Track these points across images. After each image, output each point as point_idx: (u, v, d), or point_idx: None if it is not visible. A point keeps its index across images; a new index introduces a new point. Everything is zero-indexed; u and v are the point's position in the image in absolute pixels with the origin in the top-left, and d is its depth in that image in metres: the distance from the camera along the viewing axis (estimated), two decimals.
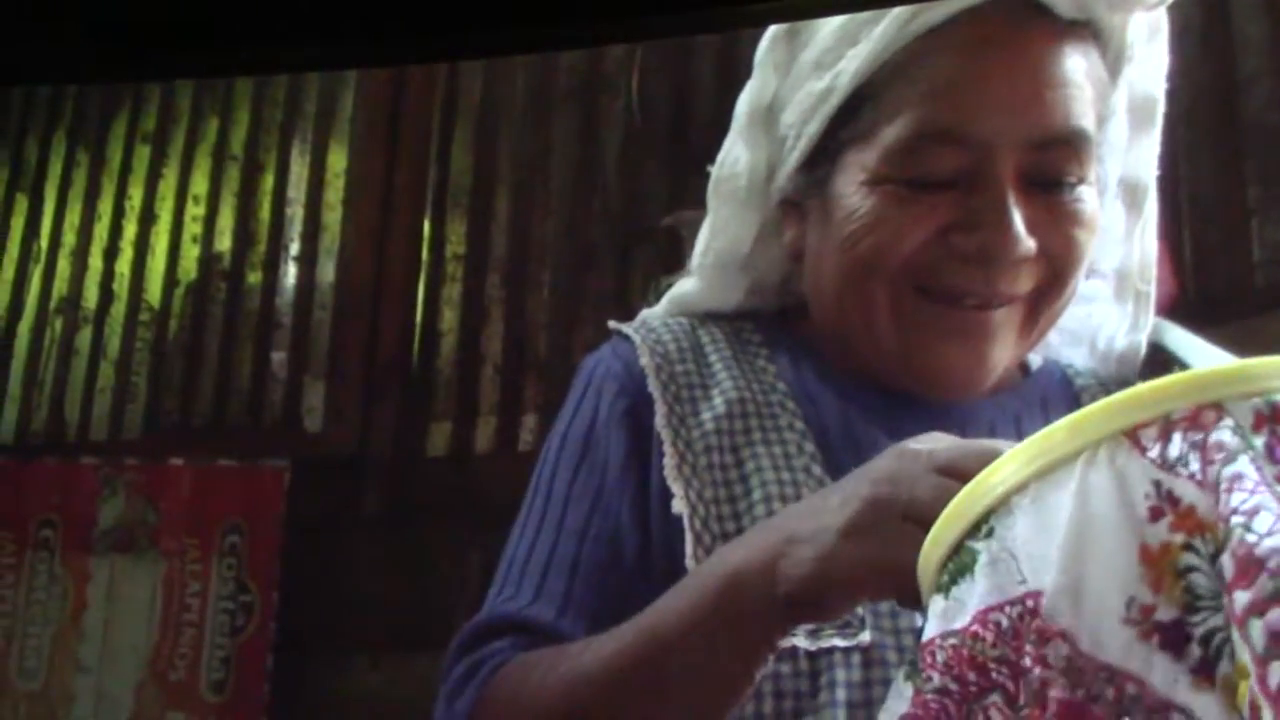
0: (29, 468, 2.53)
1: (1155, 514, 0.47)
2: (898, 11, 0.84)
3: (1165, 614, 0.46)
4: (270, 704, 2.29)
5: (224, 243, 2.60)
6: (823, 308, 0.92)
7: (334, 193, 2.56)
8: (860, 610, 0.77)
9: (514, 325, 2.40)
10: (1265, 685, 0.43)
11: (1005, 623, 0.50)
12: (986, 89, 0.83)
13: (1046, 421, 0.88)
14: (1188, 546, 0.46)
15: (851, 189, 0.86)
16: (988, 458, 0.58)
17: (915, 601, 0.59)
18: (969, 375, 0.87)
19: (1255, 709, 0.43)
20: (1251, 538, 0.45)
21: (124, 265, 2.66)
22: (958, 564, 0.53)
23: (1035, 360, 0.98)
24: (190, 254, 2.62)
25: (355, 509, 2.37)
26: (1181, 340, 0.93)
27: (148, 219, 2.67)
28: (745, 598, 0.69)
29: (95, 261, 2.69)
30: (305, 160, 2.59)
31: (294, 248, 2.56)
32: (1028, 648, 0.48)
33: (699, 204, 1.00)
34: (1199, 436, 0.48)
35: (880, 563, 0.63)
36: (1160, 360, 0.94)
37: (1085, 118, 0.84)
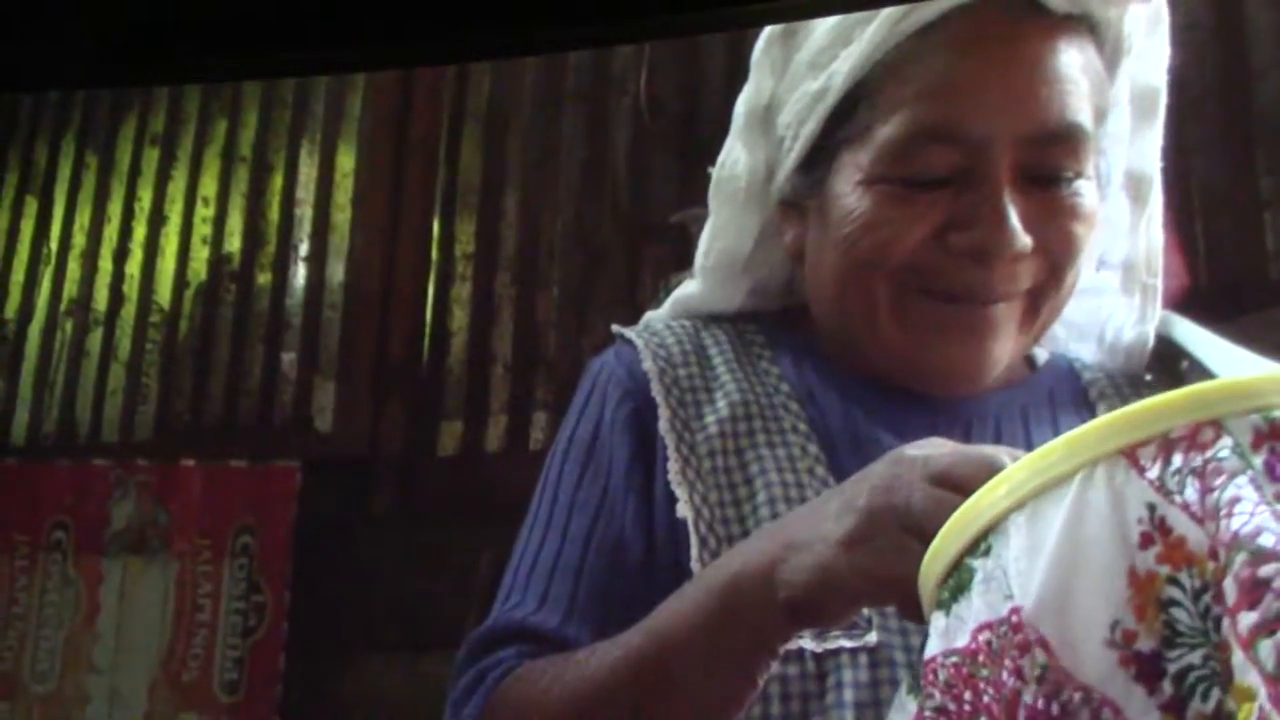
0: (41, 470, 2.53)
1: (1145, 540, 0.47)
2: (890, 11, 0.84)
3: (1145, 644, 0.46)
4: (283, 704, 2.29)
5: (233, 244, 2.60)
6: (823, 307, 0.92)
7: (343, 193, 2.56)
8: (867, 611, 0.77)
9: (524, 324, 2.40)
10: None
11: (994, 641, 0.49)
12: (980, 86, 0.83)
13: (1054, 416, 0.90)
14: (1172, 580, 0.46)
15: (848, 189, 0.86)
16: (984, 465, 0.58)
17: (914, 611, 0.59)
18: (970, 371, 0.87)
19: None
20: (1254, 560, 0.44)
21: (134, 267, 2.66)
22: (957, 581, 0.53)
23: (1042, 355, 0.98)
24: (200, 255, 2.62)
25: (366, 508, 2.37)
26: (1190, 334, 0.93)
27: (157, 221, 2.67)
28: (746, 603, 0.69)
29: (105, 263, 2.69)
30: (314, 161, 2.59)
31: (303, 248, 2.55)
32: (1006, 661, 0.48)
33: (709, 202, 1.00)
34: (1198, 457, 0.47)
35: (876, 573, 0.63)
36: (1169, 354, 0.93)
37: (1081, 113, 0.84)
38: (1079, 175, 0.85)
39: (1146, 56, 0.92)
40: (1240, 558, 0.44)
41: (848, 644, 0.77)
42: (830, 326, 0.92)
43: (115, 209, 2.72)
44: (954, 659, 0.51)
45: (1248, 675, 0.43)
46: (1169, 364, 0.93)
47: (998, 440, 0.88)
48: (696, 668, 0.72)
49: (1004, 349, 0.87)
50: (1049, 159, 0.84)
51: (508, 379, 2.39)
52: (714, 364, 0.92)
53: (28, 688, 2.37)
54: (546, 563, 0.87)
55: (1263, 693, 0.42)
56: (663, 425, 0.87)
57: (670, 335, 0.94)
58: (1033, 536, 0.50)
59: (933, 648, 0.53)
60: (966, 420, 0.89)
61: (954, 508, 0.60)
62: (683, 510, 0.83)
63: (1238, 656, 0.43)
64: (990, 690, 0.49)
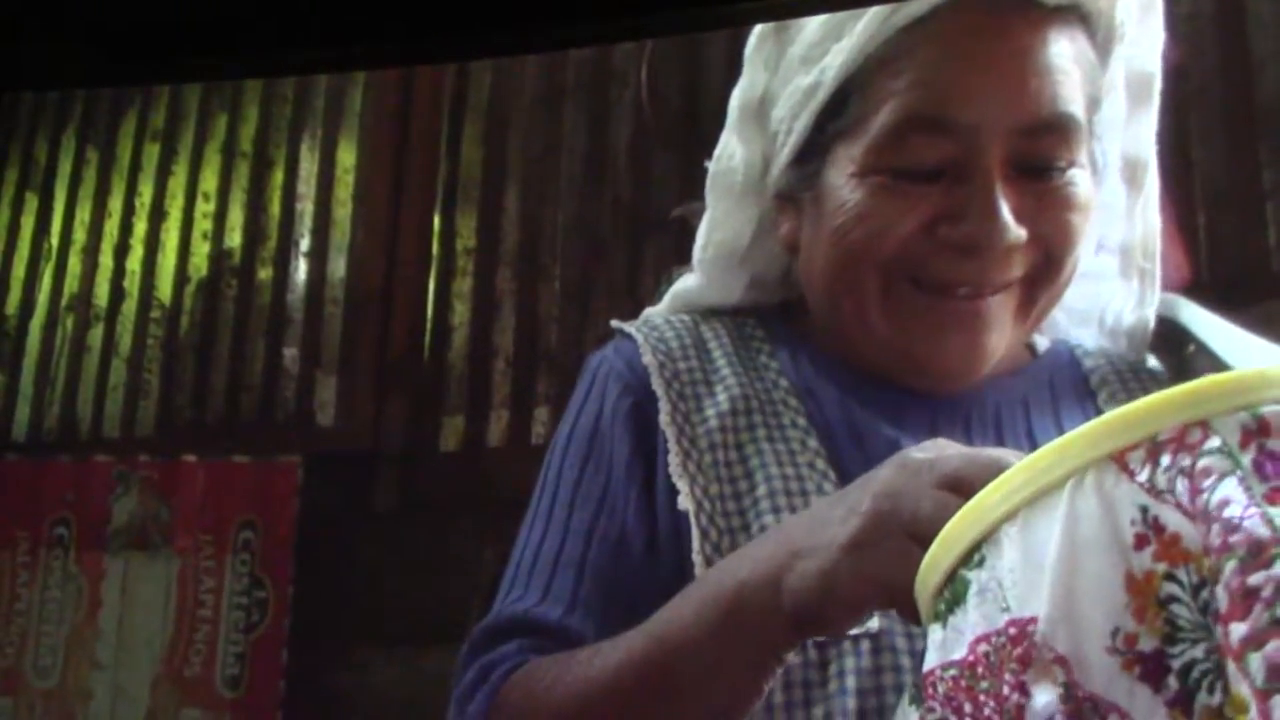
0: (42, 466, 2.53)
1: (1140, 541, 0.47)
2: (880, 6, 0.85)
3: (1147, 644, 0.46)
4: (285, 699, 2.29)
5: (234, 239, 2.60)
6: (817, 300, 0.92)
7: (344, 188, 2.56)
8: None
9: (525, 318, 2.40)
10: None
11: (991, 653, 0.49)
12: (970, 77, 0.83)
13: (1054, 404, 0.90)
14: (1170, 576, 0.46)
15: (841, 181, 0.86)
16: (993, 469, 0.57)
17: (917, 618, 0.59)
18: (964, 364, 0.87)
19: None
20: (1244, 568, 0.44)
21: (135, 263, 2.67)
22: (952, 593, 0.52)
23: (1042, 342, 0.98)
24: (201, 251, 2.62)
25: (368, 504, 2.37)
26: (1196, 317, 0.93)
27: (158, 216, 2.67)
28: (751, 611, 0.69)
29: (106, 259, 2.69)
30: (315, 156, 2.58)
31: (304, 243, 2.55)
32: (1007, 675, 0.48)
33: (706, 195, 1.00)
34: (1187, 459, 0.47)
35: (882, 580, 0.62)
36: (1175, 338, 0.94)
37: (1073, 102, 0.84)
38: (1072, 164, 0.85)
39: (1140, 42, 0.93)
40: (1230, 565, 0.44)
41: (850, 630, 0.77)
42: (824, 319, 0.92)
43: (116, 204, 2.72)
44: (952, 671, 0.51)
45: (1240, 686, 0.43)
46: (1175, 348, 0.93)
47: (999, 429, 0.88)
48: (701, 674, 0.71)
49: (999, 341, 0.86)
50: (1041, 149, 0.84)
51: (509, 374, 2.39)
52: (714, 358, 0.92)
53: (30, 683, 2.38)
54: (549, 556, 0.87)
55: (1253, 708, 0.42)
56: (664, 418, 0.87)
57: (669, 329, 0.94)
58: (1026, 548, 0.49)
59: (931, 660, 0.52)
60: (965, 410, 0.89)
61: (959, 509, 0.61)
62: (684, 503, 0.83)
63: (1230, 666, 0.43)
64: (991, 703, 0.49)
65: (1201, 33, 1.93)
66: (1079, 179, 0.85)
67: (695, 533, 0.82)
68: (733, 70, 0.98)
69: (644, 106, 2.38)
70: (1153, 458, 0.47)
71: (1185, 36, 1.91)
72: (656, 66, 2.37)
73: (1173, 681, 0.45)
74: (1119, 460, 0.48)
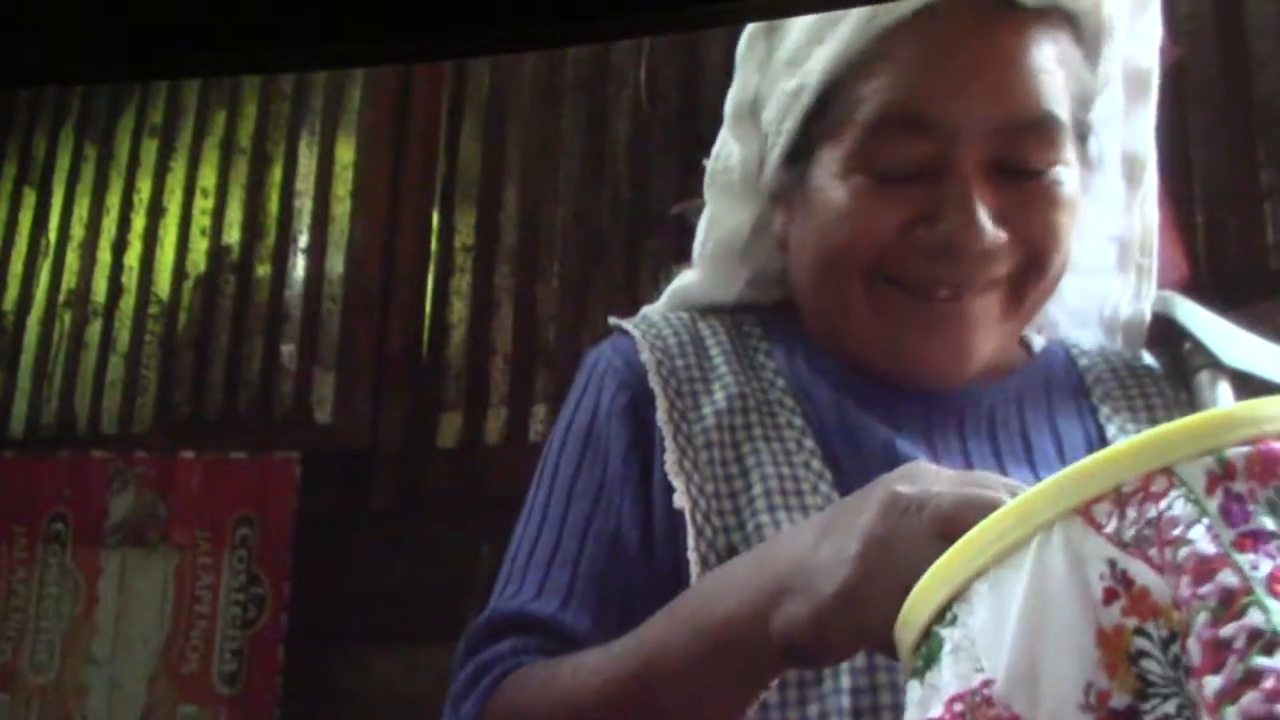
0: (39, 462, 2.53)
1: (1109, 596, 0.46)
2: (861, 10, 0.85)
3: (1119, 701, 0.45)
4: (282, 696, 2.29)
5: (232, 235, 2.60)
6: (805, 299, 0.93)
7: (342, 185, 2.55)
8: None
9: (523, 316, 2.40)
10: None
11: (966, 713, 0.48)
12: (949, 78, 0.83)
13: (1049, 404, 0.90)
14: (1140, 631, 0.45)
15: (825, 182, 0.87)
16: (989, 510, 0.57)
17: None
18: (950, 364, 0.87)
19: None
20: (1215, 620, 0.43)
21: (132, 258, 2.66)
22: (928, 650, 0.52)
23: (1038, 341, 0.98)
24: (199, 247, 2.62)
25: (366, 500, 2.37)
26: (1192, 315, 0.93)
27: (156, 212, 2.67)
28: (739, 645, 0.68)
29: (104, 255, 2.69)
30: (313, 152, 2.58)
31: (303, 240, 2.55)
32: None
33: (705, 193, 1.01)
34: (1153, 509, 0.46)
35: (878, 635, 0.60)
36: (1171, 336, 0.94)
37: (1056, 102, 0.84)
38: (1055, 164, 0.85)
39: (1136, 38, 0.93)
40: (1201, 617, 0.43)
41: None
42: (814, 318, 0.93)
43: (114, 200, 2.71)
44: None
45: None
46: (1171, 345, 0.93)
47: (992, 429, 0.88)
48: (688, 700, 0.71)
49: (985, 341, 0.86)
50: (1023, 149, 0.84)
51: (508, 371, 2.38)
52: (711, 356, 0.92)
53: (27, 679, 2.38)
54: (544, 551, 0.87)
55: None
56: (660, 416, 0.87)
57: (667, 327, 0.94)
58: (997, 605, 0.49)
59: (911, 717, 0.52)
60: (959, 410, 0.89)
61: None
62: (679, 500, 0.83)
63: None
64: None
65: (1201, 32, 1.93)
66: (1063, 177, 0.85)
67: (690, 530, 0.82)
68: (731, 69, 0.98)
69: (643, 104, 2.38)
70: (1119, 509, 0.47)
71: (1185, 36, 1.91)
72: (655, 64, 2.37)
73: None
74: (1085, 514, 0.47)
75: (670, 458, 0.85)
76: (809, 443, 0.85)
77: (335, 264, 2.52)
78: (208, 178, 2.65)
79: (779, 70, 0.92)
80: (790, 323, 0.95)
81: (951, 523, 0.60)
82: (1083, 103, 0.88)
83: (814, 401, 0.88)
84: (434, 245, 2.48)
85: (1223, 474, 0.46)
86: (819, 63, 0.87)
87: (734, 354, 0.92)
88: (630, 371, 0.91)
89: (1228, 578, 0.43)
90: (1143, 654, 0.45)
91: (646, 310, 1.02)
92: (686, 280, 1.01)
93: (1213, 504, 0.45)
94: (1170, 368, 0.94)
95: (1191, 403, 0.90)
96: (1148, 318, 0.96)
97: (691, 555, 0.81)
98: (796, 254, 0.92)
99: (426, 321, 2.45)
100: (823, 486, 0.82)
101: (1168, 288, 0.97)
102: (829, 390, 0.88)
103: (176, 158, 2.69)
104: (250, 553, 2.35)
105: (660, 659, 0.72)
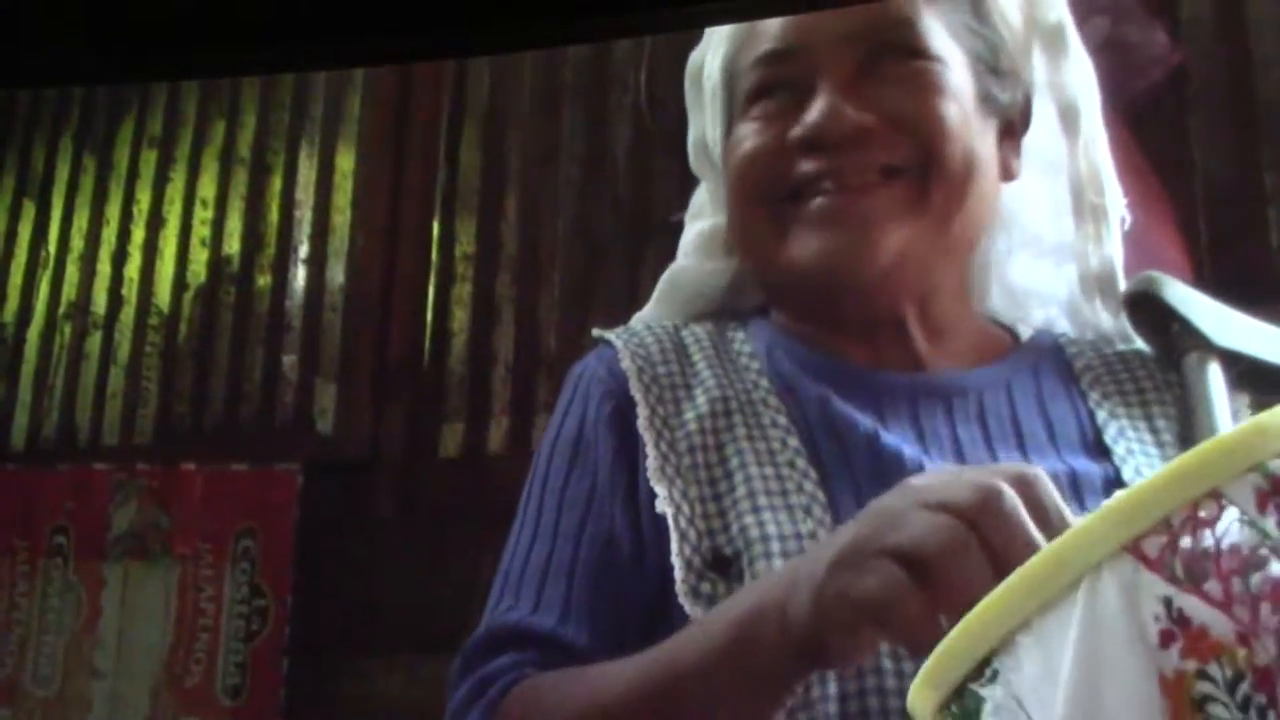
0: (41, 474, 2.52)
1: (1166, 639, 0.43)
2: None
3: None
4: (286, 708, 2.28)
5: (233, 246, 2.59)
6: (751, 269, 0.98)
7: (342, 194, 2.55)
8: None
9: (525, 324, 2.39)
10: None
11: None
12: (806, 16, 0.91)
13: (1038, 390, 0.91)
14: (1202, 674, 0.42)
15: (731, 149, 0.95)
16: (981, 494, 0.58)
17: (911, 647, 0.59)
18: (858, 259, 0.88)
19: None
20: None
21: (132, 270, 2.66)
22: (961, 711, 0.48)
23: (1026, 330, 0.99)
24: (199, 257, 2.61)
25: (368, 511, 2.36)
26: (1180, 295, 0.93)
27: (156, 223, 2.67)
28: (760, 641, 0.68)
29: (103, 266, 2.69)
30: (313, 162, 2.58)
31: (303, 250, 2.54)
32: None
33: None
34: (1207, 538, 0.43)
35: (861, 601, 0.62)
36: (1159, 316, 0.93)
37: (916, 14, 0.90)
38: (927, 57, 0.89)
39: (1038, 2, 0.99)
40: None
41: None
42: (765, 288, 0.97)
43: (113, 211, 2.71)
44: None
45: None
46: (1160, 327, 0.93)
47: (982, 415, 0.89)
48: (710, 703, 0.71)
49: (894, 235, 0.88)
50: (890, 42, 0.89)
51: (509, 380, 2.38)
52: (694, 361, 0.93)
53: (29, 693, 2.37)
54: (538, 563, 0.87)
55: None
56: (641, 423, 0.88)
57: (649, 335, 0.95)
58: (1045, 659, 0.45)
59: None
60: (946, 395, 0.89)
61: (943, 527, 0.60)
62: (662, 505, 0.83)
63: None
64: None
65: (1203, 36, 1.93)
66: (945, 72, 0.89)
67: (674, 535, 0.82)
68: None
69: (643, 111, 2.38)
70: (1171, 542, 0.44)
71: (1187, 40, 1.91)
72: (655, 69, 2.37)
73: None
74: (1134, 550, 0.44)
75: (652, 464, 0.85)
76: (793, 441, 0.85)
77: (336, 274, 2.52)
78: (207, 188, 2.64)
79: (702, 103, 1.01)
80: (770, 322, 0.97)
81: (943, 501, 0.61)
82: (956, 33, 0.92)
83: (798, 399, 0.89)
84: (435, 254, 2.47)
85: (1271, 489, 0.43)
86: (715, 62, 0.97)
87: (717, 358, 0.93)
88: (614, 380, 0.92)
89: None
90: (1208, 699, 0.42)
91: (636, 317, 1.04)
92: (680, 263, 1.05)
93: (1270, 523, 0.43)
94: (1159, 349, 0.94)
95: (1181, 385, 0.90)
96: (1118, 267, 0.98)
97: (676, 560, 0.81)
98: (729, 226, 0.98)
99: (428, 331, 2.44)
100: (807, 485, 0.82)
101: None
102: (811, 384, 0.89)
103: (176, 168, 2.68)
104: (253, 564, 2.34)
105: (685, 661, 0.72)
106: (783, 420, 0.87)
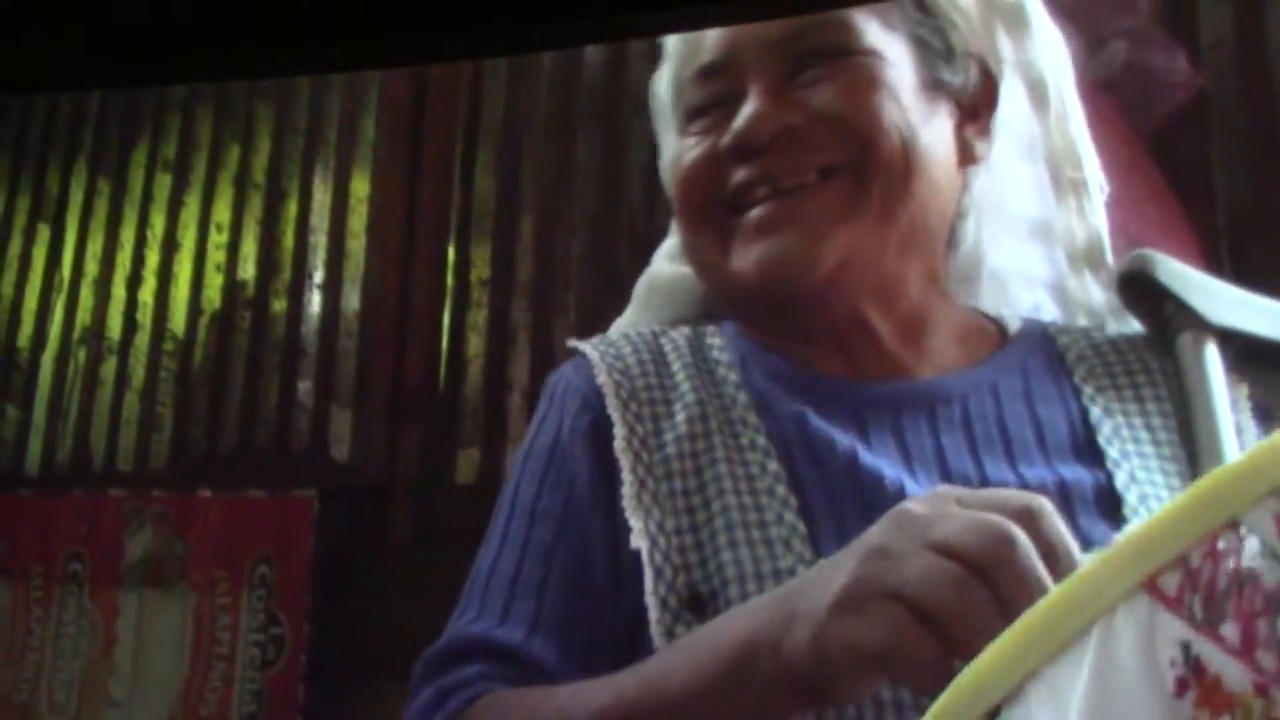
0: (55, 500, 2.52)
1: (1181, 687, 0.40)
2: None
3: None
4: None
5: (248, 271, 2.59)
6: (703, 284, 0.98)
7: (357, 219, 2.54)
8: None
9: (541, 350, 2.38)
10: None
11: None
12: (734, 29, 0.91)
13: (1026, 388, 0.89)
14: None
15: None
16: (990, 534, 0.57)
17: (918, 686, 0.58)
18: (800, 264, 0.87)
19: None
20: None
21: (147, 294, 2.66)
22: None
23: (1014, 322, 0.97)
24: (214, 282, 2.61)
25: (384, 537, 2.35)
26: (1174, 274, 0.91)
27: (170, 247, 2.67)
28: (758, 674, 0.66)
29: (118, 291, 2.69)
30: (328, 187, 2.57)
31: (318, 275, 2.54)
32: None
33: None
34: (1229, 572, 0.40)
35: (864, 646, 0.60)
36: (1153, 296, 0.92)
37: (847, 12, 0.90)
38: (856, 53, 0.89)
39: None
40: None
41: None
42: (725, 302, 0.96)
43: (128, 235, 2.71)
44: None
45: None
46: (1153, 307, 0.92)
47: (967, 421, 0.87)
48: None
49: (836, 236, 0.87)
50: (818, 41, 0.89)
51: (525, 406, 2.37)
52: (674, 371, 0.91)
53: None
54: (505, 574, 0.85)
55: None
56: (618, 445, 0.86)
57: (627, 345, 0.93)
58: (1057, 710, 0.43)
59: None
60: (929, 403, 0.87)
61: (952, 579, 0.58)
62: (637, 540, 0.81)
63: None
64: None
65: (1224, 60, 1.91)
66: (871, 63, 0.89)
67: (649, 573, 0.79)
68: None
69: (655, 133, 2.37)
70: (1191, 580, 0.41)
71: (1208, 64, 1.90)
72: None
73: None
74: (1151, 587, 0.41)
75: (628, 492, 0.83)
76: (772, 465, 0.83)
77: (351, 299, 2.51)
78: (222, 212, 2.64)
79: (663, 118, 1.00)
80: (745, 331, 0.96)
81: (948, 544, 0.59)
82: (890, 25, 0.91)
83: (775, 417, 0.86)
84: (450, 279, 2.46)
85: None
86: (664, 81, 0.98)
87: (695, 368, 0.91)
88: (591, 392, 0.89)
89: None
90: None
91: (615, 324, 1.06)
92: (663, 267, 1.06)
93: None
94: (1153, 330, 0.93)
95: (1176, 371, 0.88)
96: (1104, 237, 0.98)
97: (650, 600, 0.78)
98: (681, 249, 0.99)
99: (443, 356, 2.43)
100: (787, 516, 0.80)
101: None
102: (788, 400, 0.87)
103: (190, 192, 2.68)
104: (269, 591, 2.33)
105: (671, 685, 0.70)
106: (761, 441, 0.84)
